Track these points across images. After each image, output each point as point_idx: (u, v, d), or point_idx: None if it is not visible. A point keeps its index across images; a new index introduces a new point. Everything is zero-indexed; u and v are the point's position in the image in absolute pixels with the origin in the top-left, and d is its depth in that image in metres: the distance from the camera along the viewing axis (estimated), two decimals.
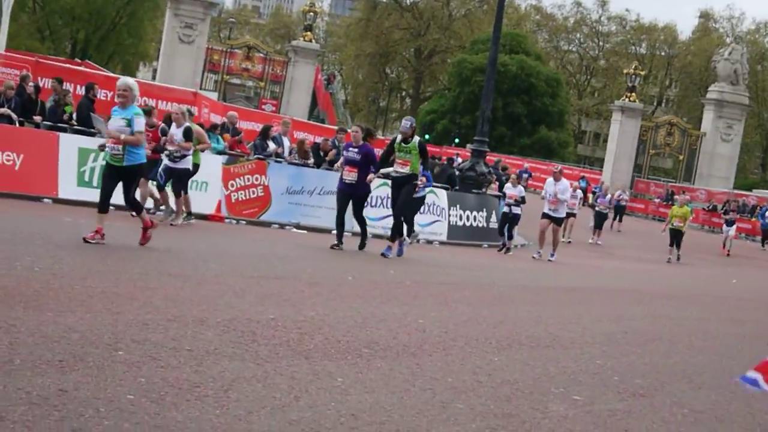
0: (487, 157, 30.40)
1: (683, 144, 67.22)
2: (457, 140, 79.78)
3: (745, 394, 8.50)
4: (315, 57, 62.70)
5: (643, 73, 74.30)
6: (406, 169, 17.03)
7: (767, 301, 19.94)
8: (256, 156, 21.79)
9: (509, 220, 24.53)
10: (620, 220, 41.03)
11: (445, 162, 33.47)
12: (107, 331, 6.98)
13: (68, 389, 5.42)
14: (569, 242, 29.46)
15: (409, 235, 18.44)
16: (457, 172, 29.10)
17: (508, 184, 26.61)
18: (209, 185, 20.15)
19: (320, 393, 6.23)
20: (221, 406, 5.57)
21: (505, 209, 24.56)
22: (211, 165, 20.47)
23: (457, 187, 27.16)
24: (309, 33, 61.99)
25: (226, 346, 7.11)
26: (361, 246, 17.52)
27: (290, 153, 23.12)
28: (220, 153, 21.70)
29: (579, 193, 31.69)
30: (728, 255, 33.68)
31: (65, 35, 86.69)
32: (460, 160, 39.30)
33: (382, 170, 17.71)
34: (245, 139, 24.57)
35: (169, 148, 17.19)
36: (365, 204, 18.04)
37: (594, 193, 43.37)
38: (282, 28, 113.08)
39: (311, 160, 23.05)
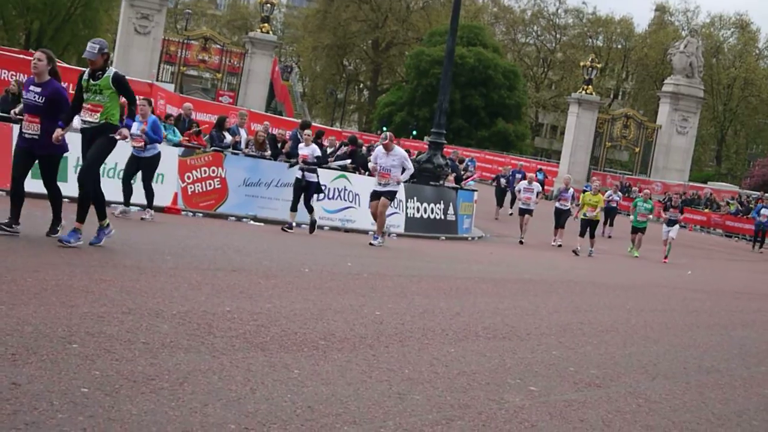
0: (445, 150, 30.39)
1: (639, 136, 67.85)
2: (414, 132, 79.92)
3: (700, 383, 8.60)
4: (272, 48, 62.59)
5: (599, 65, 74.84)
6: (97, 117, 12.10)
7: (721, 292, 20.12)
8: (212, 148, 21.70)
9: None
10: (611, 224, 37.75)
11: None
12: (61, 323, 6.92)
13: (21, 382, 5.36)
14: (520, 242, 28.06)
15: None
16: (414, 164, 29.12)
17: (524, 182, 29.89)
18: (165, 177, 20.02)
19: (276, 385, 6.21)
20: (177, 399, 5.53)
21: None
22: (168, 157, 20.34)
23: (414, 180, 27.19)
24: (266, 24, 61.84)
25: (181, 339, 7.07)
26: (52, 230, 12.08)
27: (247, 145, 23.04)
28: (176, 145, 21.58)
29: (536, 186, 29.97)
30: (665, 261, 27.82)
31: (19, 26, 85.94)
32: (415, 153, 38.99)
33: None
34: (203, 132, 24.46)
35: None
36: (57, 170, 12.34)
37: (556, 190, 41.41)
38: (239, 20, 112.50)
39: (268, 152, 22.96)
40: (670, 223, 28.94)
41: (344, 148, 26.12)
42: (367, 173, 25.64)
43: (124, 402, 5.33)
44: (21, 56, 30.17)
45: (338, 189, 22.85)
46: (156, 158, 17.61)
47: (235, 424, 5.28)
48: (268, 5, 62.91)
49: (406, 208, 24.87)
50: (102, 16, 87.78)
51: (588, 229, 27.34)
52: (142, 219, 17.03)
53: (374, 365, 7.27)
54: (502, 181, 39.68)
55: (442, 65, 31.71)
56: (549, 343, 9.54)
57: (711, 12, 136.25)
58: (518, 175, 39.12)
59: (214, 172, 20.78)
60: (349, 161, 25.09)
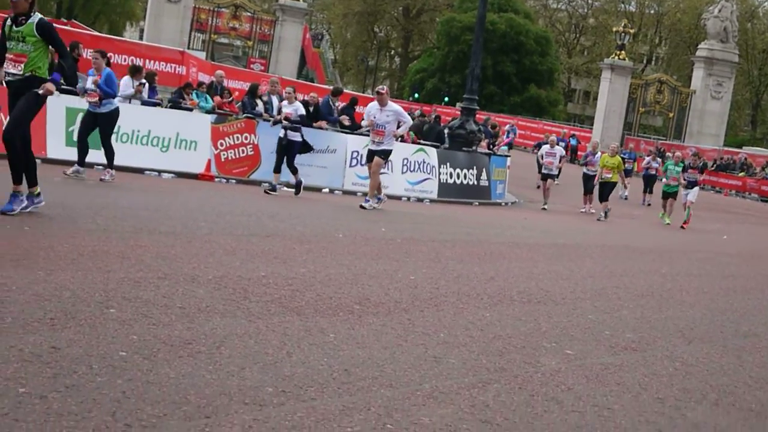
0: (477, 116, 30.25)
1: (673, 102, 67.26)
2: (446, 99, 79.62)
3: (737, 347, 8.55)
4: (303, 16, 62.33)
5: (632, 31, 74.19)
6: (21, 69, 10.77)
7: (758, 257, 19.98)
8: (245, 115, 21.70)
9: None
10: (651, 192, 35.62)
11: (434, 119, 33.31)
12: (98, 289, 6.96)
13: (60, 346, 5.40)
14: (543, 209, 26.93)
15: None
16: (446, 130, 29.02)
17: (546, 146, 28.92)
18: (198, 144, 20.08)
19: (312, 349, 6.22)
20: (214, 363, 5.56)
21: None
22: (200, 124, 20.41)
23: (446, 145, 27.11)
24: None
25: (217, 303, 7.09)
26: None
27: (279, 112, 23.01)
28: (208, 112, 21.62)
29: (559, 149, 28.98)
30: (684, 227, 26.08)
31: None
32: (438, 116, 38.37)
33: None
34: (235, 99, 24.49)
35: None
36: None
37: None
38: None
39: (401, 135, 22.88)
40: (689, 185, 27.35)
41: None
42: (400, 139, 25.60)
43: (162, 365, 5.35)
44: (53, 25, 30.26)
45: (417, 162, 22.76)
46: (114, 114, 16.47)
47: (272, 387, 5.29)
48: None
49: (439, 174, 24.82)
50: None
51: (605, 192, 26.59)
52: (101, 180, 16.01)
53: (409, 329, 7.27)
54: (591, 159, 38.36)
55: (474, 32, 31.53)
56: (584, 307, 9.51)
57: None
58: (561, 144, 37.91)
59: (246, 138, 20.79)
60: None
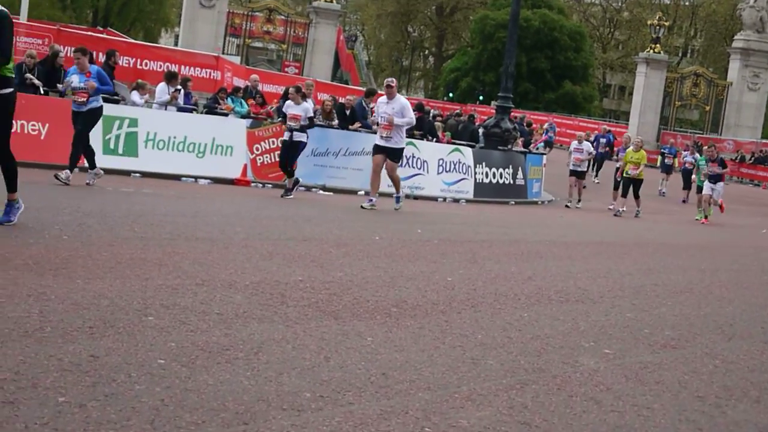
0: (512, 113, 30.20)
1: (710, 94, 66.78)
2: (481, 97, 79.48)
3: None
4: (336, 18, 62.41)
5: (667, 23, 73.67)
6: None
7: None
8: (279, 119, 21.77)
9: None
10: (689, 188, 33.83)
11: (467, 119, 33.27)
12: (136, 296, 7.00)
13: (99, 355, 5.44)
14: (566, 206, 26.79)
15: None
16: (481, 129, 28.98)
17: (574, 141, 28.14)
18: (234, 149, 20.18)
19: (350, 353, 6.23)
20: (252, 369, 5.58)
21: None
22: (236, 129, 20.50)
23: (481, 145, 27.07)
24: None
25: (255, 309, 7.12)
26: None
27: (314, 115, 23.07)
28: (244, 117, 21.71)
29: (587, 145, 27.98)
30: (705, 222, 25.43)
31: (86, 3, 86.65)
32: (476, 116, 38.06)
33: None
34: (268, 101, 24.56)
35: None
36: None
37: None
38: None
39: (335, 121, 22.98)
40: (711, 179, 25.87)
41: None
42: (435, 140, 25.61)
43: (201, 372, 5.38)
44: (89, 33, 30.53)
45: (406, 156, 22.79)
46: (98, 111, 16.02)
47: (310, 392, 5.30)
48: None
49: (475, 173, 24.79)
50: None
51: (632, 189, 25.56)
52: (87, 184, 15.73)
53: (447, 331, 7.26)
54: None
55: (507, 29, 31.50)
56: (622, 305, 9.47)
57: None
58: (602, 140, 37.20)
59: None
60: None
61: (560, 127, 63.43)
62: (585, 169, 27.78)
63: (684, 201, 34.27)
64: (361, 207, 17.00)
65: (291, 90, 19.18)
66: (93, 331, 5.90)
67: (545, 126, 46.40)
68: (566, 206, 26.73)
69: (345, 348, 6.33)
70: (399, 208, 17.71)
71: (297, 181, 18.84)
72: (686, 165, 35.24)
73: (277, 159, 20.57)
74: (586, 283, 10.64)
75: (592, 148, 29.26)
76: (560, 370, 6.54)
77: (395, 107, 17.39)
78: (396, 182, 17.95)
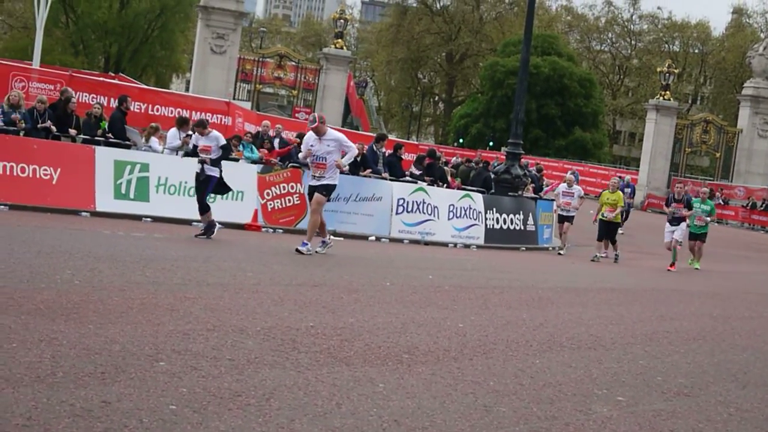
0: (526, 161, 30.16)
1: (720, 141, 66.84)
2: (491, 144, 79.63)
3: None
4: (346, 64, 62.75)
5: (676, 71, 73.91)
6: None
7: None
8: (290, 164, 21.83)
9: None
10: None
11: (481, 165, 33.33)
12: (148, 342, 6.99)
13: (111, 401, 5.42)
14: (560, 254, 25.57)
15: None
16: (492, 175, 29.02)
17: (563, 185, 26.80)
18: (245, 194, 20.19)
19: (362, 399, 6.20)
20: (263, 415, 5.56)
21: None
22: (247, 174, 20.53)
23: (492, 191, 27.09)
24: (340, 40, 62.06)
25: (266, 355, 7.10)
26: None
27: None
28: (254, 162, 21.77)
29: (577, 189, 26.48)
30: (670, 269, 23.03)
31: (98, 49, 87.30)
32: (497, 163, 38.07)
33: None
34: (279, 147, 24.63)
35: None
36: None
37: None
38: (313, 36, 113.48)
39: (346, 168, 23.01)
40: (674, 221, 24.05)
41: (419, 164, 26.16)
42: (445, 185, 25.64)
43: (212, 419, 5.36)
44: (101, 79, 30.70)
45: (416, 202, 22.82)
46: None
47: None
48: (342, 21, 63.18)
49: (485, 219, 24.78)
50: (178, 37, 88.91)
51: (607, 232, 24.69)
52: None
53: (459, 378, 7.23)
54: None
55: (517, 75, 31.62)
56: (635, 352, 9.43)
57: None
58: (627, 190, 35.37)
59: (293, 188, 20.87)
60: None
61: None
62: (574, 214, 26.10)
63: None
64: (315, 252, 15.62)
65: (197, 123, 17.52)
66: (104, 377, 5.89)
67: (567, 175, 46.05)
68: (559, 254, 25.55)
69: (357, 394, 6.30)
70: (304, 252, 15.37)
71: (213, 225, 16.64)
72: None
73: (288, 204, 20.61)
74: (598, 330, 10.60)
75: (582, 192, 27.47)
76: (573, 417, 6.51)
77: (330, 145, 15.84)
78: (314, 226, 15.94)
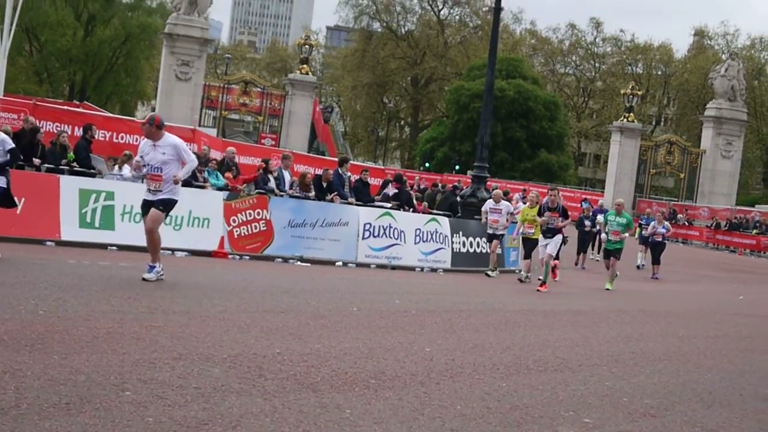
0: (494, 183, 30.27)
1: (684, 162, 67.49)
2: (457, 167, 79.89)
3: (757, 410, 8.48)
4: (312, 89, 62.91)
5: (640, 92, 74.66)
6: None
7: None
8: (256, 191, 21.82)
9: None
10: (657, 262, 30.72)
11: (450, 190, 33.43)
12: (113, 371, 6.96)
13: None
14: (487, 274, 23.72)
15: None
16: (458, 199, 29.10)
17: (491, 201, 24.63)
18: (211, 221, 20.14)
19: (329, 425, 6.20)
20: None
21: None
22: (213, 201, 20.49)
23: (459, 215, 27.15)
24: (305, 66, 62.24)
25: (233, 382, 7.09)
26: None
27: (291, 186, 23.15)
28: (220, 189, 21.74)
29: (505, 205, 24.46)
30: (540, 290, 19.77)
31: (63, 77, 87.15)
32: (462, 186, 38.05)
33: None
34: (243, 173, 24.58)
35: None
36: None
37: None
38: (278, 62, 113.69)
39: (312, 193, 23.05)
40: (548, 233, 21.27)
41: (390, 186, 26.23)
42: (411, 210, 25.69)
43: None
44: (65, 108, 30.57)
45: (383, 226, 22.83)
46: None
47: None
48: (307, 47, 63.39)
49: (452, 243, 24.82)
50: (143, 65, 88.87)
51: (527, 249, 22.86)
52: None
53: (426, 402, 7.24)
54: (587, 223, 32.38)
55: (482, 99, 31.75)
56: (601, 374, 9.47)
57: (751, 34, 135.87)
58: (600, 217, 32.14)
59: (259, 214, 20.84)
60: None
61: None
62: (503, 233, 24.45)
63: (654, 276, 30.28)
64: (143, 279, 13.19)
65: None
66: (69, 408, 5.85)
67: (544, 200, 44.68)
68: (487, 275, 23.62)
69: (324, 421, 6.30)
70: (151, 278, 13.23)
71: None
72: (654, 236, 30.96)
73: (254, 231, 20.57)
74: (564, 352, 10.64)
75: (512, 208, 25.34)
76: None
77: (166, 152, 13.51)
78: (155, 245, 13.63)
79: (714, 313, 19.00)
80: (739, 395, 9.26)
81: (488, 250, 25.07)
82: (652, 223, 31.45)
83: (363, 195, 24.47)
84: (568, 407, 7.67)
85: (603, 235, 23.79)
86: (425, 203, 29.40)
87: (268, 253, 20.83)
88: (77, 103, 50.37)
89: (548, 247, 21.12)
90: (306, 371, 7.82)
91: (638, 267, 33.16)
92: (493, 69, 29.16)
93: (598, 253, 32.49)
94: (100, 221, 18.71)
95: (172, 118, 46.59)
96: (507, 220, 24.36)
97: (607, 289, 22.63)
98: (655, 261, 30.60)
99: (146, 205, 13.83)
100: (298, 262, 20.81)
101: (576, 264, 30.75)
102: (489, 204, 24.49)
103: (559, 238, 21.47)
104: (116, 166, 21.63)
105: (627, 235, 23.57)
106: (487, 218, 24.30)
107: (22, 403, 5.83)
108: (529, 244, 22.82)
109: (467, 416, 6.95)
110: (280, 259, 20.71)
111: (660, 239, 30.88)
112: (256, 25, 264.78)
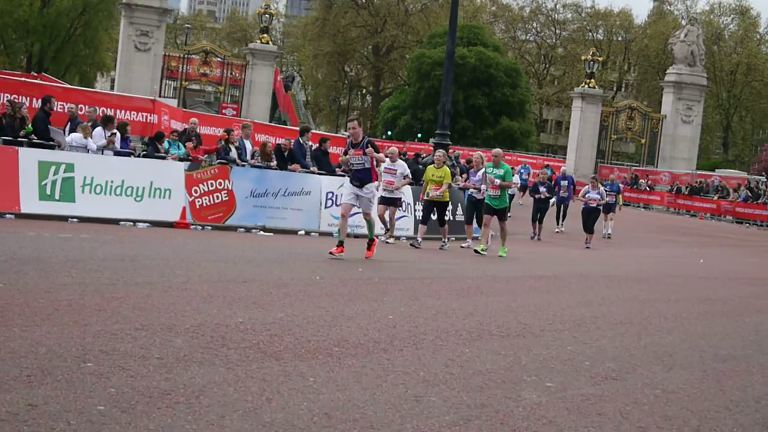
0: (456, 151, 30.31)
1: (644, 128, 67.87)
2: (419, 135, 79.91)
3: (716, 371, 8.58)
4: (273, 59, 62.61)
5: (601, 59, 74.92)
6: None
7: (735, 279, 20.08)
8: (218, 161, 21.73)
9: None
10: (591, 232, 28.27)
11: (412, 158, 33.41)
12: (75, 343, 6.92)
13: (38, 404, 5.36)
14: (387, 242, 21.38)
15: None
16: (421, 167, 29.08)
17: (387, 160, 21.06)
18: (172, 192, 20.06)
19: (292, 393, 6.20)
20: (193, 412, 5.53)
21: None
22: (174, 172, 20.40)
23: (421, 182, 27.16)
24: (266, 35, 61.90)
25: (195, 352, 7.07)
26: None
27: (252, 156, 23.07)
28: (181, 159, 21.63)
29: (401, 166, 21.85)
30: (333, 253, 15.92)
31: (20, 48, 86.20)
32: (424, 153, 38.03)
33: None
34: (205, 144, 24.48)
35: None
36: None
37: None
38: (238, 32, 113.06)
39: (274, 162, 22.99)
40: (354, 179, 16.17)
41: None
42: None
43: (141, 418, 5.33)
44: (23, 79, 30.24)
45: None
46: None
47: None
48: (267, 16, 63.00)
49: (415, 210, 24.84)
50: (102, 36, 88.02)
51: (435, 213, 21.42)
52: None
53: (389, 369, 7.26)
54: (542, 189, 30.88)
55: (443, 67, 31.73)
56: (563, 338, 9.52)
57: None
58: (563, 183, 32.46)
59: (221, 184, 20.78)
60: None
61: None
62: (399, 196, 22.14)
63: (587, 246, 28.10)
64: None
65: None
66: (31, 380, 5.82)
67: (518, 168, 43.17)
68: (387, 242, 21.24)
69: (287, 389, 6.30)
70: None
71: None
72: (589, 203, 28.26)
73: (216, 201, 20.51)
74: (526, 318, 10.69)
75: (406, 169, 22.32)
76: (503, 404, 6.56)
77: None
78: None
79: (675, 276, 19.17)
80: (699, 357, 9.35)
81: (450, 217, 25.08)
82: (584, 189, 29.32)
83: (323, 164, 24.42)
84: (531, 372, 7.71)
85: (483, 187, 21.31)
86: None
87: (231, 223, 20.80)
88: (35, 74, 49.86)
89: (361, 203, 16.37)
90: (269, 340, 7.81)
91: (606, 237, 32.35)
92: (454, 36, 29.15)
93: (561, 224, 32.96)
94: (60, 193, 18.60)
95: (131, 89, 46.35)
96: (402, 182, 21.75)
97: (477, 252, 19.94)
98: (588, 229, 28.18)
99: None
100: (261, 232, 20.78)
101: (532, 236, 29.67)
102: (386, 164, 21.03)
103: (371, 188, 16.34)
104: (74, 134, 21.12)
105: (511, 189, 22.54)
106: (384, 178, 21.15)
107: None
108: (436, 207, 21.26)
109: (430, 382, 6.98)
110: (242, 229, 20.67)
111: (594, 205, 28.20)
112: None
